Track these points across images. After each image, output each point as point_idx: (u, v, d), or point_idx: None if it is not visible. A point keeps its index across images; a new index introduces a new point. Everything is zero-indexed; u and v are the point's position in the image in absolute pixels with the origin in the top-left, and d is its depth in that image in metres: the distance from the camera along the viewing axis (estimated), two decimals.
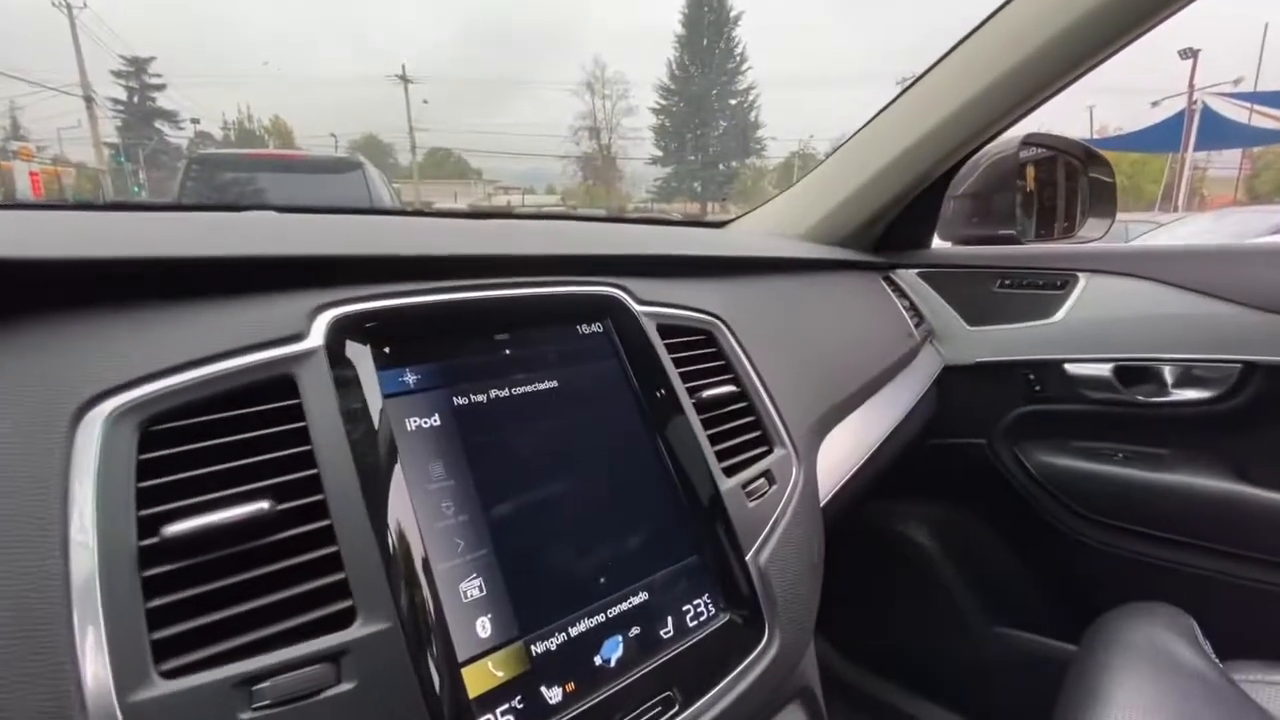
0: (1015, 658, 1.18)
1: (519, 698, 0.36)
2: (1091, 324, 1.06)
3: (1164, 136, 15.71)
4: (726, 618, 0.46)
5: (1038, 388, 1.13)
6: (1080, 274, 1.09)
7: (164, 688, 0.28)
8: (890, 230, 1.25)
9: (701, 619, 0.45)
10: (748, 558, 0.48)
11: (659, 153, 37.26)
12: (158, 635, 0.29)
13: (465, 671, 0.35)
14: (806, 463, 0.59)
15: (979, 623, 1.23)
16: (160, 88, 34.11)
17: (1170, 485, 1.01)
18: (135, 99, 33.08)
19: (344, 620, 0.32)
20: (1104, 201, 1.31)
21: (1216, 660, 0.80)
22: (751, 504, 0.51)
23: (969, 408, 1.20)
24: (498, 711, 0.35)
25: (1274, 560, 0.93)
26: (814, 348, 0.75)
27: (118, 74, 33.04)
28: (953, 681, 1.25)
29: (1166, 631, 0.83)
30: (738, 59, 35.59)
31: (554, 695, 0.38)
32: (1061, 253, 1.16)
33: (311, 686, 0.30)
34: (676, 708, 0.40)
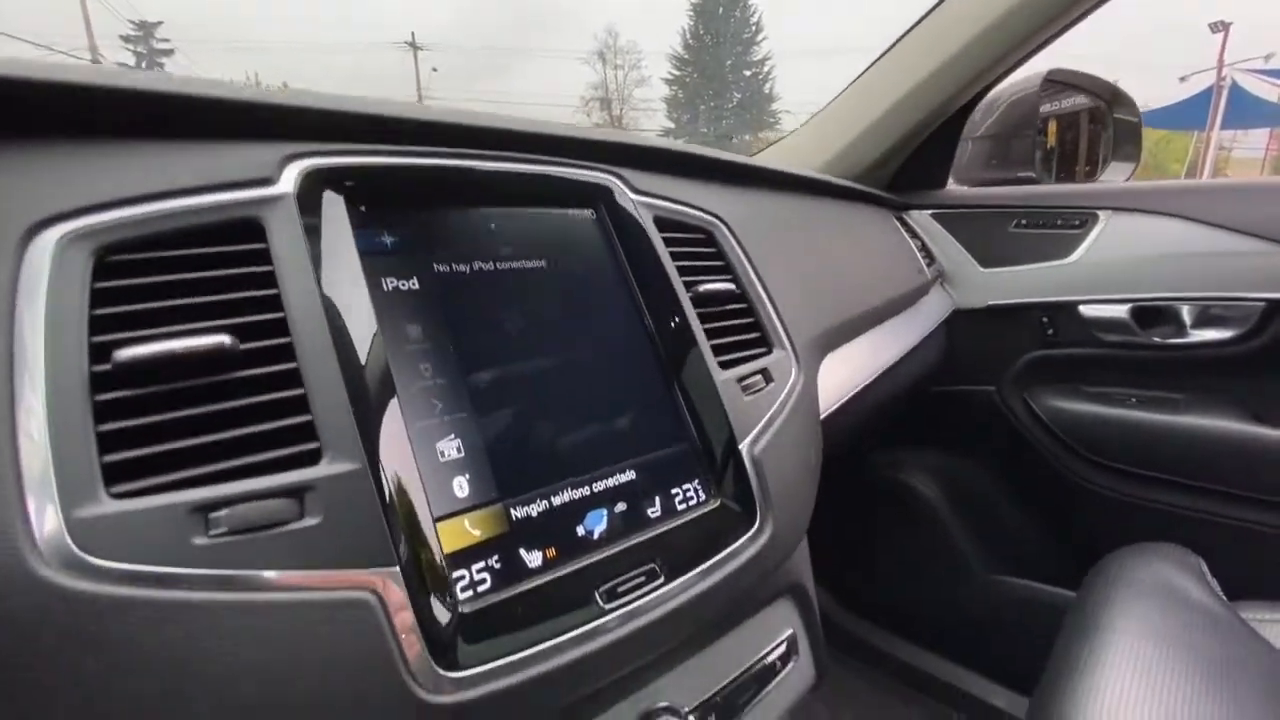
0: (1016, 605, 1.17)
1: (496, 558, 0.35)
2: (1110, 264, 1.03)
3: (1191, 113, 15.24)
4: (717, 503, 0.44)
5: (1050, 331, 1.10)
6: (1100, 212, 1.05)
7: (113, 506, 0.27)
8: (904, 170, 1.21)
9: (691, 503, 0.43)
10: (741, 446, 0.46)
11: (671, 125, 36.68)
12: (109, 459, 0.28)
13: (440, 526, 0.34)
14: (806, 370, 0.57)
15: (980, 571, 1.21)
16: (168, 53, 33.84)
17: (1184, 428, 0.98)
18: (143, 64, 32.85)
19: (309, 460, 0.31)
20: (1129, 144, 1.26)
21: (1224, 598, 0.78)
22: (747, 397, 0.49)
23: (979, 353, 1.17)
24: (473, 568, 0.34)
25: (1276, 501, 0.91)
26: (818, 265, 0.73)
27: (126, 39, 32.79)
28: (953, 630, 1.25)
29: (1173, 568, 0.81)
30: (753, 28, 34.77)
31: (533, 559, 0.36)
32: (1082, 191, 1.12)
33: (272, 518, 0.29)
34: (660, 580, 0.38)
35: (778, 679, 0.46)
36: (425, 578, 0.31)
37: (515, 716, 0.32)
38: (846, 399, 0.68)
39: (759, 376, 0.51)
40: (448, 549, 0.33)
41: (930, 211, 1.19)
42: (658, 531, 0.41)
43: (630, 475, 0.42)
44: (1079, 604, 0.78)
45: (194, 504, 0.28)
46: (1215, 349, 0.97)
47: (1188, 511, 0.99)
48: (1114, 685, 0.62)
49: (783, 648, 0.47)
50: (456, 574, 0.33)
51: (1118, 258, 1.02)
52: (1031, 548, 1.22)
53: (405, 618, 0.30)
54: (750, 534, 0.43)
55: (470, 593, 0.33)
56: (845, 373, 0.71)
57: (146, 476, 0.28)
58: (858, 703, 1.26)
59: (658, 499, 0.42)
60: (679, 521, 0.42)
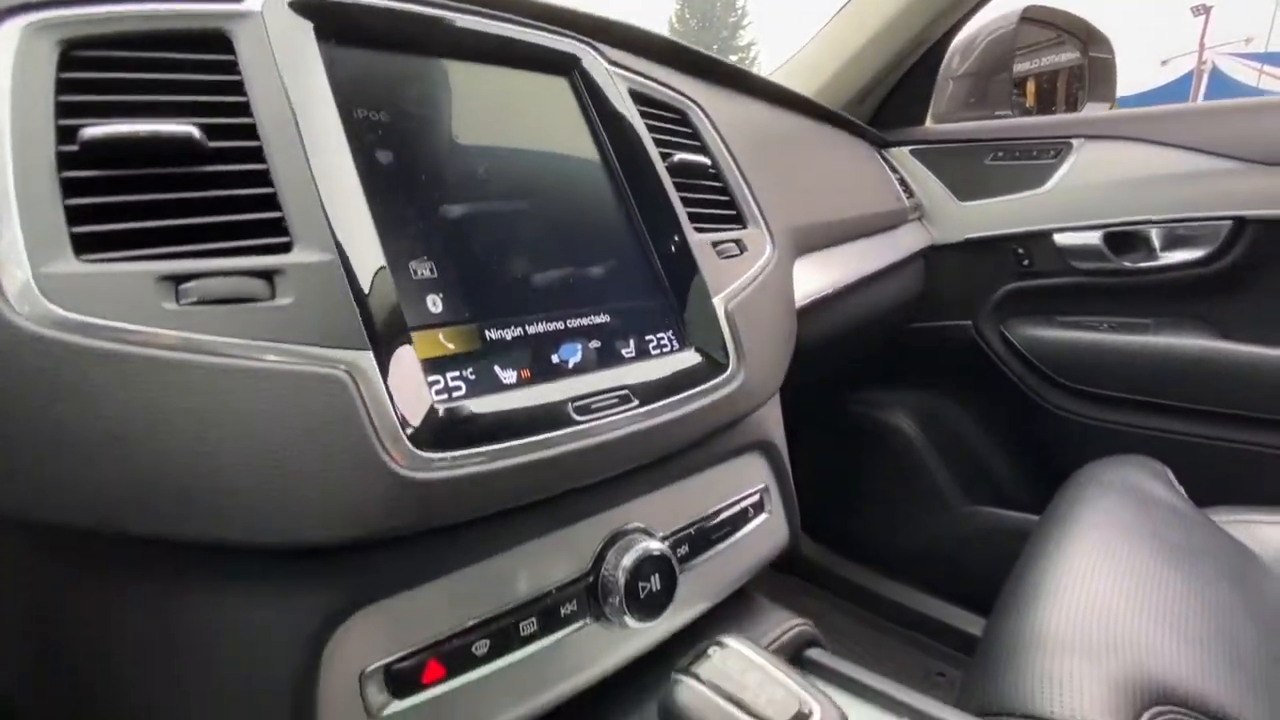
0: (991, 534, 1.20)
1: (470, 370, 0.35)
2: (1083, 190, 1.04)
3: (1170, 99, 15.41)
4: (690, 351, 0.45)
5: (1026, 262, 1.11)
6: (1074, 141, 1.07)
7: (81, 267, 0.27)
8: (884, 108, 1.22)
9: (664, 350, 0.44)
10: (715, 299, 0.47)
11: None
12: (77, 230, 0.28)
13: (415, 335, 0.34)
14: (781, 252, 0.58)
15: (956, 503, 1.24)
16: None
17: (1153, 347, 1.01)
18: None
19: (280, 250, 0.31)
20: (1103, 83, 1.28)
21: (1192, 502, 0.81)
22: (721, 260, 0.50)
23: (956, 288, 1.19)
24: (448, 375, 0.34)
25: (1249, 415, 0.93)
26: (796, 168, 0.73)
27: None
28: (929, 562, 1.27)
29: (1141, 474, 0.83)
30: (739, 12, 34.56)
31: (508, 376, 0.37)
32: (1057, 121, 1.13)
33: (242, 293, 0.29)
34: (634, 403, 0.39)
35: (750, 525, 0.47)
36: (399, 368, 0.32)
37: (484, 506, 0.32)
38: (823, 295, 0.69)
39: (733, 244, 0.52)
40: (421, 355, 0.34)
41: (909, 148, 1.20)
42: (632, 366, 0.41)
43: (604, 318, 0.43)
44: (1051, 507, 0.80)
45: (163, 273, 0.28)
46: (1185, 271, 0.99)
47: (1156, 431, 1.02)
48: (1081, 562, 0.64)
49: (755, 498, 0.48)
50: (431, 378, 0.34)
51: (1091, 183, 1.04)
52: (1006, 478, 1.25)
53: (379, 398, 0.30)
54: (722, 378, 0.44)
55: (445, 396, 0.34)
56: (821, 278, 0.72)
57: (115, 249, 0.28)
58: (836, 638, 1.29)
59: (631, 341, 0.43)
60: (652, 362, 0.43)
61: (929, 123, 1.28)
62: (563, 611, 0.36)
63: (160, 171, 0.30)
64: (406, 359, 0.32)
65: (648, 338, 0.44)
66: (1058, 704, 0.47)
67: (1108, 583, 0.61)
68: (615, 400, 0.39)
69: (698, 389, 0.43)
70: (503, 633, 0.34)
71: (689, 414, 0.41)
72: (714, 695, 0.27)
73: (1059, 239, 1.07)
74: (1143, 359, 1.01)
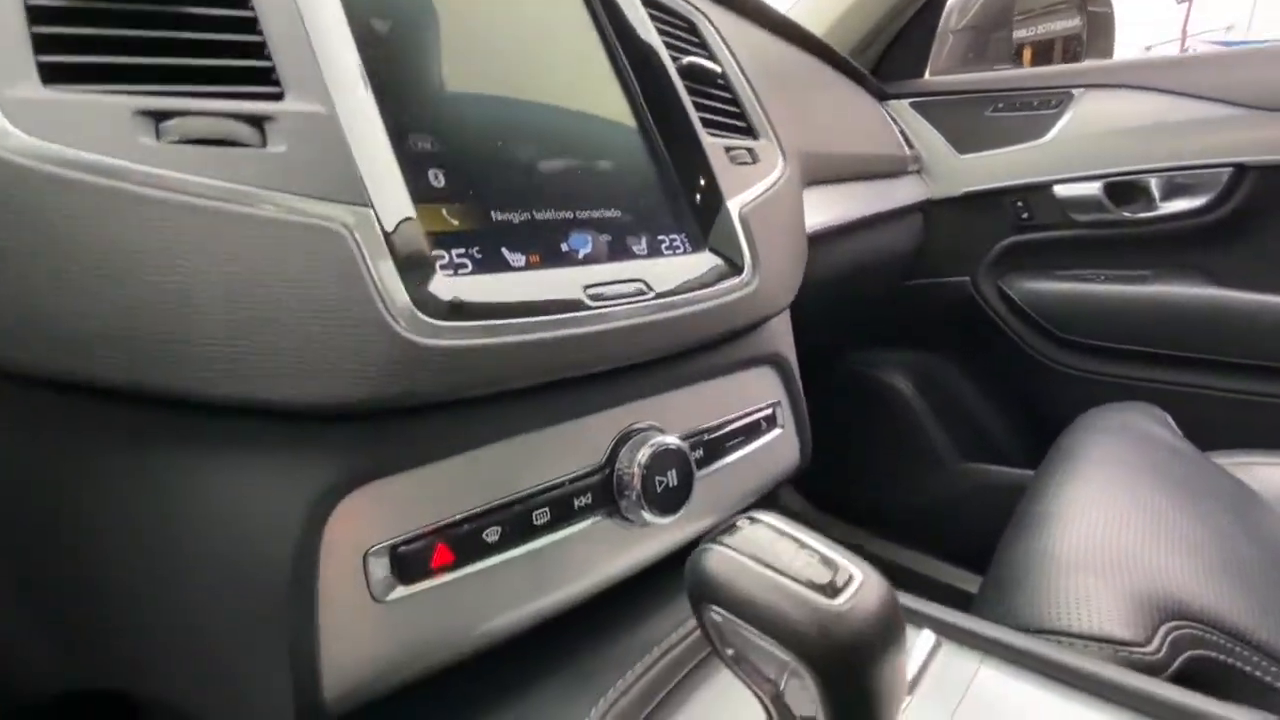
0: (985, 490, 1.20)
1: (477, 249, 0.33)
2: (1084, 140, 1.03)
3: None
4: (706, 253, 0.43)
5: (1025, 215, 1.11)
6: (1075, 91, 1.06)
7: (49, 94, 0.24)
8: (884, 60, 1.20)
9: (678, 251, 0.42)
10: (729, 202, 0.45)
11: None
12: (45, 59, 0.25)
13: (417, 208, 0.32)
14: (792, 169, 0.56)
15: (951, 460, 1.24)
16: None
17: (1151, 297, 1.00)
18: None
19: (270, 98, 0.28)
20: (1101, 36, 1.26)
21: (1192, 445, 0.81)
22: (735, 166, 0.48)
23: (954, 244, 1.18)
24: (453, 252, 0.32)
25: (1246, 362, 0.94)
26: (802, 97, 0.71)
27: None
28: (923, 520, 1.27)
29: (1143, 418, 0.83)
30: None
31: (516, 259, 0.34)
32: (1057, 71, 1.12)
33: (231, 136, 0.27)
34: (649, 294, 0.37)
35: (763, 439, 0.46)
36: (403, 231, 0.29)
37: (493, 381, 0.30)
38: (825, 227, 0.68)
39: (745, 152, 0.50)
40: (425, 229, 0.32)
41: (909, 100, 1.18)
42: (644, 262, 0.39)
43: (615, 213, 0.40)
44: (1055, 448, 0.80)
45: (142, 107, 0.25)
46: (1184, 220, 0.98)
47: (1153, 381, 1.02)
48: (1089, 490, 0.63)
49: (768, 411, 0.47)
50: (435, 252, 0.31)
51: (1091, 133, 1.03)
52: (1001, 435, 1.25)
53: (382, 257, 0.28)
54: (738, 280, 0.42)
55: (450, 271, 0.32)
56: (824, 212, 0.71)
57: (88, 82, 0.26)
58: None
59: (643, 239, 0.41)
60: (665, 260, 0.41)
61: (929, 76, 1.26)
62: (576, 504, 0.34)
63: (138, 7, 0.27)
64: (410, 223, 0.30)
65: (660, 237, 0.42)
66: (1075, 619, 0.46)
67: (1116, 510, 0.60)
68: (630, 290, 0.37)
69: (714, 288, 0.41)
70: (515, 520, 0.32)
71: (705, 311, 0.39)
72: (748, 560, 0.25)
73: (1059, 191, 1.06)
74: (1141, 309, 1.01)
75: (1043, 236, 1.10)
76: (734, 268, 0.43)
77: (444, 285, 0.30)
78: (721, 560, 0.25)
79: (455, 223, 0.33)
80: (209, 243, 0.25)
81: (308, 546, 0.27)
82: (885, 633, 0.23)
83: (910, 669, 0.37)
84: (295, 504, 0.27)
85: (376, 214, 0.29)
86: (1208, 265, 1.00)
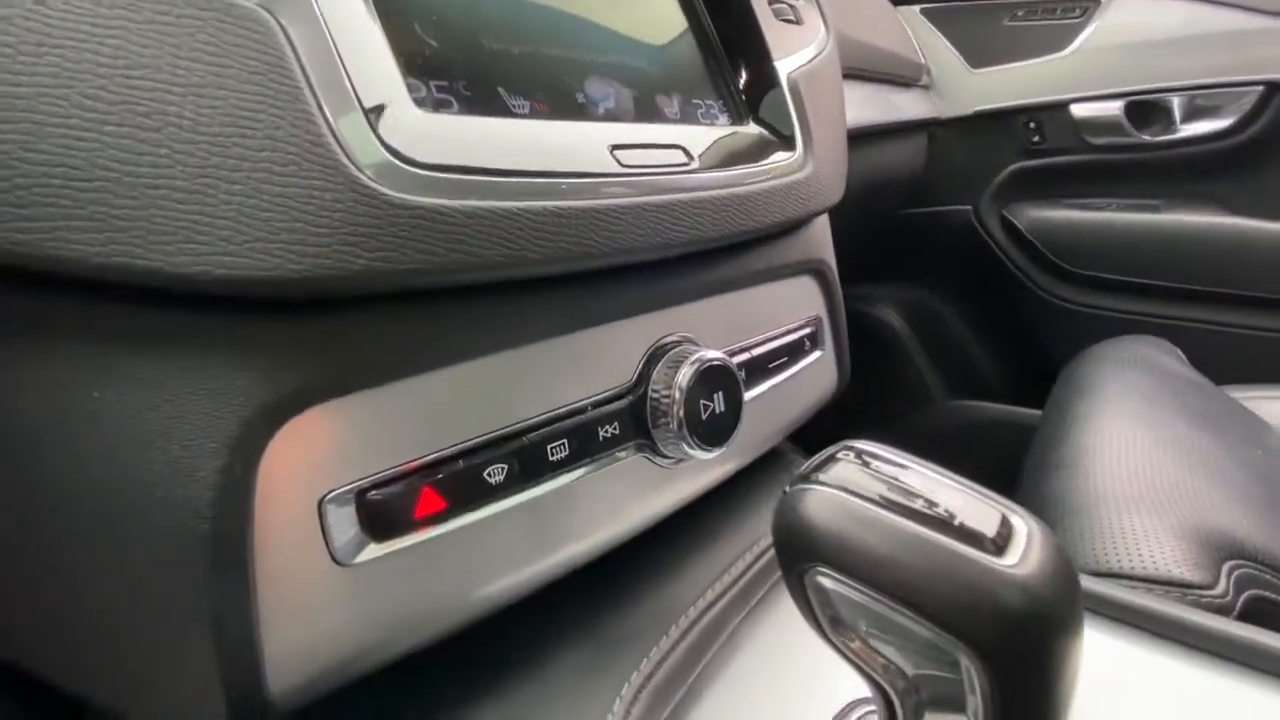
0: (977, 427, 1.17)
1: (464, 83, 0.24)
2: (1108, 53, 0.96)
3: None
4: (750, 124, 0.34)
5: (1036, 138, 1.03)
6: None
7: None
8: None
9: (716, 119, 0.33)
10: (778, 64, 0.35)
11: None
12: None
13: (382, 16, 0.22)
14: (832, 39, 0.46)
15: (939, 397, 1.21)
16: None
17: (1162, 225, 0.96)
18: None
19: None
20: None
21: (1207, 379, 0.77)
22: (779, 23, 0.38)
23: (959, 169, 1.10)
24: (432, 84, 0.23)
25: (1255, 295, 0.91)
26: None
27: None
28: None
29: (1156, 351, 0.79)
30: None
31: (519, 104, 0.25)
32: None
33: None
34: (690, 162, 0.28)
35: (805, 360, 0.39)
36: (355, 32, 0.20)
37: (488, 259, 0.21)
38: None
39: (789, 8, 0.40)
40: (393, 46, 0.22)
41: (921, 7, 1.08)
42: (678, 128, 0.30)
43: (642, 63, 0.31)
44: (1062, 384, 0.75)
45: None
46: (1203, 145, 0.93)
47: (1157, 317, 0.99)
48: (1118, 424, 0.59)
49: (809, 329, 0.39)
50: (408, 80, 0.22)
51: (1116, 46, 0.95)
52: (990, 372, 1.22)
53: (325, 65, 0.19)
54: (791, 158, 0.34)
55: (429, 109, 0.22)
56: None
57: None
58: None
59: (674, 99, 0.32)
60: (703, 128, 0.32)
61: None
62: (601, 434, 0.27)
63: None
64: (366, 25, 0.20)
65: (695, 101, 0.33)
66: (1132, 559, 0.42)
67: (1149, 443, 0.56)
68: (668, 158, 0.28)
69: (765, 165, 0.32)
70: (525, 455, 0.24)
71: (757, 191, 0.31)
72: (873, 506, 0.18)
73: (1076, 111, 0.98)
74: (1149, 239, 0.97)
75: (1052, 162, 1.04)
76: (787, 140, 0.35)
77: (421, 124, 0.21)
78: (833, 504, 0.18)
79: (434, 43, 0.24)
80: (81, 31, 0.15)
81: (235, 490, 0.18)
82: (1069, 602, 0.17)
83: None
84: (214, 430, 0.18)
85: (319, 9, 0.19)
86: (1221, 194, 0.96)
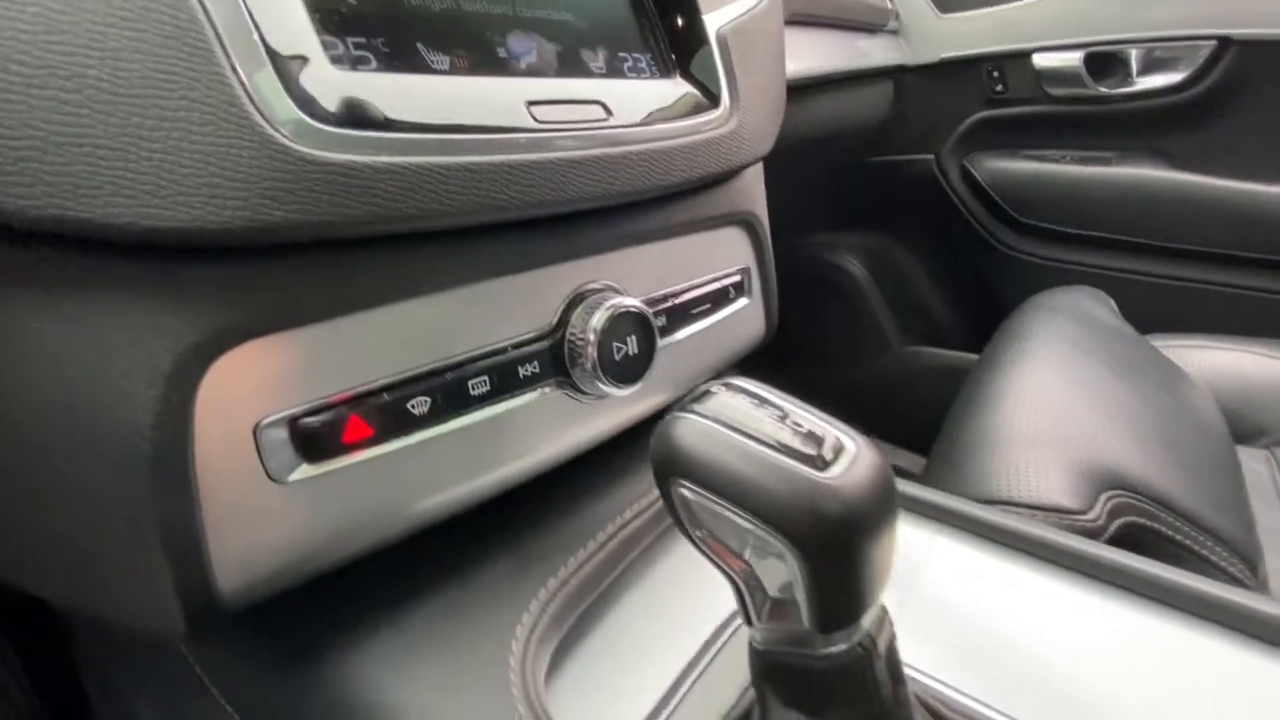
0: (930, 373, 1.23)
1: (383, 40, 0.25)
2: (1073, 1, 0.96)
3: None
4: (676, 79, 0.36)
5: (999, 88, 1.04)
6: None
7: None
8: None
9: (641, 73, 0.35)
10: (706, 17, 0.37)
11: None
12: None
13: None
14: None
15: (897, 343, 1.25)
16: None
17: (1108, 179, 0.99)
18: None
19: None
20: None
21: (1133, 328, 0.82)
22: None
23: (923, 118, 1.11)
24: (349, 40, 0.24)
25: (1190, 249, 0.95)
26: None
27: None
28: (870, 403, 1.30)
29: (1089, 301, 0.83)
30: None
31: (438, 60, 0.27)
32: None
33: None
34: (609, 116, 0.30)
35: (730, 308, 0.41)
36: None
37: (399, 216, 0.24)
38: (797, 77, 0.60)
39: None
40: (306, 1, 0.23)
41: None
42: (602, 83, 0.32)
43: (567, 16, 0.32)
44: (1000, 331, 0.80)
45: None
46: (1158, 98, 0.95)
47: (1102, 268, 1.03)
48: (1037, 368, 0.63)
49: (736, 278, 0.42)
50: (324, 37, 0.23)
51: None
52: (947, 320, 1.26)
53: (234, 21, 0.20)
54: (715, 115, 0.36)
55: (346, 66, 0.24)
56: (794, 60, 0.62)
57: None
58: None
59: (601, 54, 0.33)
60: (628, 83, 0.33)
61: None
62: (522, 372, 0.29)
63: None
64: None
65: (621, 55, 0.34)
66: (1023, 490, 0.47)
67: (1062, 387, 0.61)
68: (586, 114, 0.30)
69: (687, 121, 0.34)
70: (447, 390, 0.27)
71: (677, 148, 0.33)
72: (724, 429, 0.21)
73: (1038, 60, 0.99)
74: (1098, 192, 1.00)
75: (1013, 112, 1.05)
76: (710, 99, 0.36)
77: (336, 82, 0.23)
78: (693, 429, 0.21)
79: (352, 0, 0.25)
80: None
81: (173, 415, 0.21)
82: (880, 509, 0.20)
83: None
84: (150, 363, 0.20)
85: None
86: (1171, 150, 0.98)
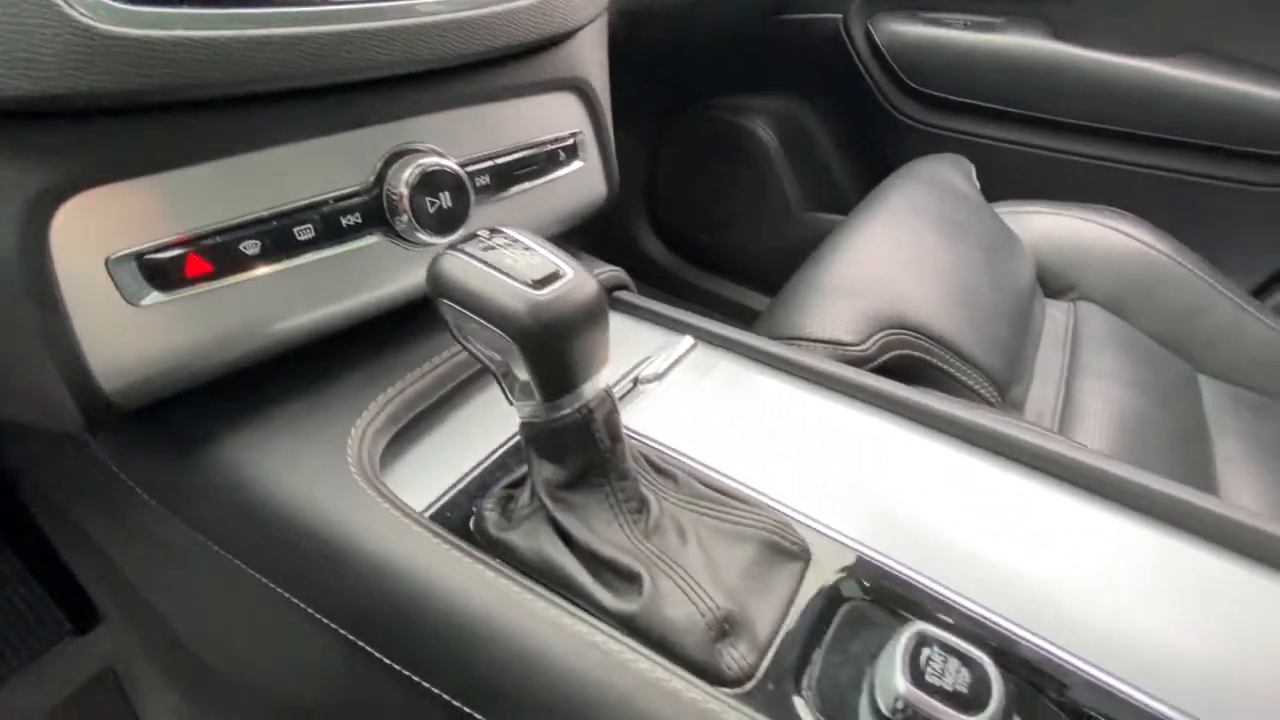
0: (820, 239, 1.31)
1: None
2: None
3: None
4: None
5: None
6: None
7: None
8: None
9: None
10: None
11: None
12: None
13: None
14: None
15: (799, 210, 1.32)
16: None
17: (995, 47, 1.03)
18: None
19: None
20: None
21: (981, 194, 0.91)
22: None
23: None
24: None
25: (1059, 120, 1.02)
26: None
27: None
28: (773, 269, 1.39)
29: (949, 169, 0.91)
30: None
31: None
32: None
33: None
34: None
35: (561, 171, 0.47)
36: None
37: (201, 84, 0.28)
38: None
39: None
40: None
41: None
42: None
43: None
44: (867, 198, 0.87)
45: None
46: None
47: (984, 138, 1.10)
48: (871, 229, 0.72)
49: (567, 141, 0.47)
50: None
51: None
52: (847, 185, 1.33)
53: None
54: None
55: None
56: None
57: None
58: None
59: None
60: None
61: None
62: (344, 222, 0.36)
63: None
64: None
65: None
66: (810, 328, 0.57)
67: (884, 246, 0.70)
68: None
69: None
70: (275, 235, 0.33)
71: (481, 16, 0.37)
72: (476, 262, 0.28)
73: None
74: (982, 60, 1.04)
75: None
76: None
77: None
78: (453, 262, 0.28)
79: None
80: None
81: (34, 248, 0.27)
82: (578, 317, 0.28)
83: (664, 362, 0.45)
84: (6, 206, 0.26)
85: None
86: (1053, 16, 1.02)
